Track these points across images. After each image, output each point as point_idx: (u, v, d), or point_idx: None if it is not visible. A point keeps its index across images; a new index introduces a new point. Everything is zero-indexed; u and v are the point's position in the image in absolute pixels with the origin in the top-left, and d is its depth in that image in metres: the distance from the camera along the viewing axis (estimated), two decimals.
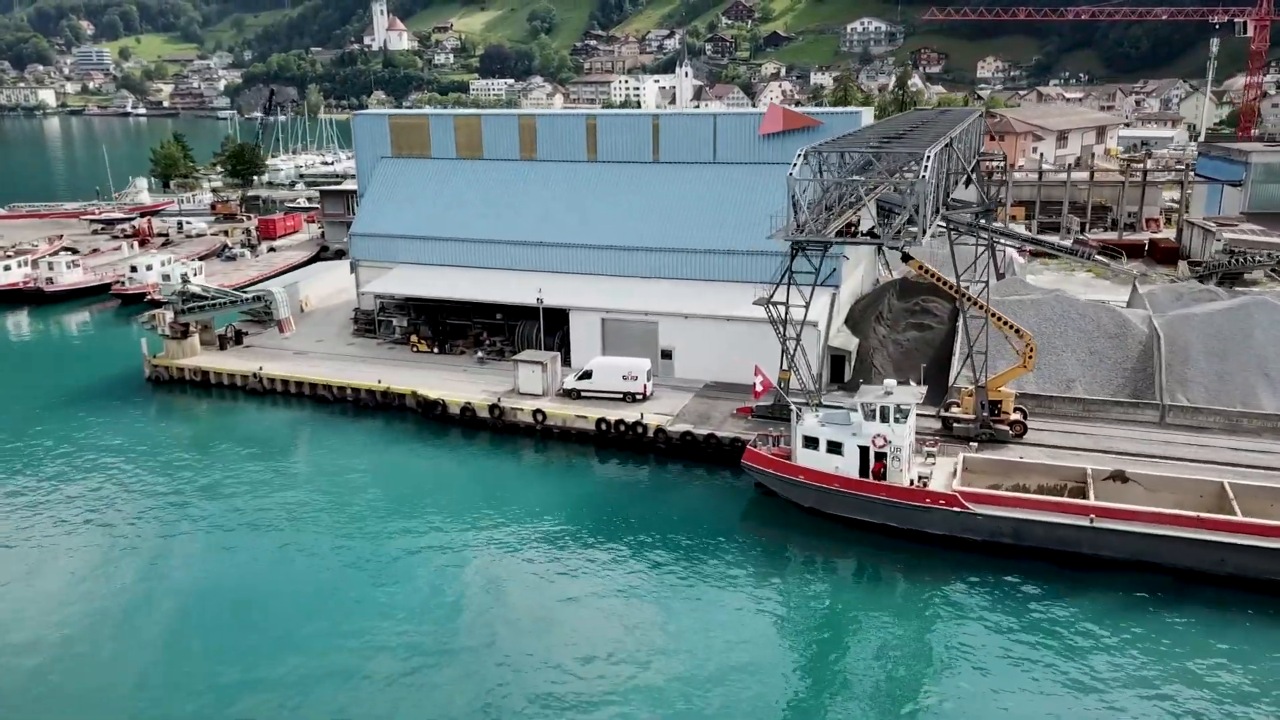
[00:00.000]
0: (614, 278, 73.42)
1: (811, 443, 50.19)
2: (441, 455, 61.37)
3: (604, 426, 60.75)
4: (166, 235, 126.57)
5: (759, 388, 55.79)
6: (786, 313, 57.62)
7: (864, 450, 48.97)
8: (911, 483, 48.61)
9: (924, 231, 50.43)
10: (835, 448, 49.60)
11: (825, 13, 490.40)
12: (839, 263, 66.32)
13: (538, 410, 62.56)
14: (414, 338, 76.22)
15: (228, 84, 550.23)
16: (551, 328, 71.84)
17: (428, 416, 65.54)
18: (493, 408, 63.57)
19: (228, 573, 47.07)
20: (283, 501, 54.56)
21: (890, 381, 49.37)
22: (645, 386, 63.53)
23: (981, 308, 55.64)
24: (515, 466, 59.53)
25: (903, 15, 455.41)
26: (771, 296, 57.38)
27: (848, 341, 67.72)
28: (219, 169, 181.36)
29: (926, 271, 56.29)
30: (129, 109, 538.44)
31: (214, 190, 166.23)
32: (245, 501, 54.52)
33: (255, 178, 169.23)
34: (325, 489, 56.17)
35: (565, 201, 76.79)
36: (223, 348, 77.79)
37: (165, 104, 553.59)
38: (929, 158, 50.15)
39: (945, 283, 56.52)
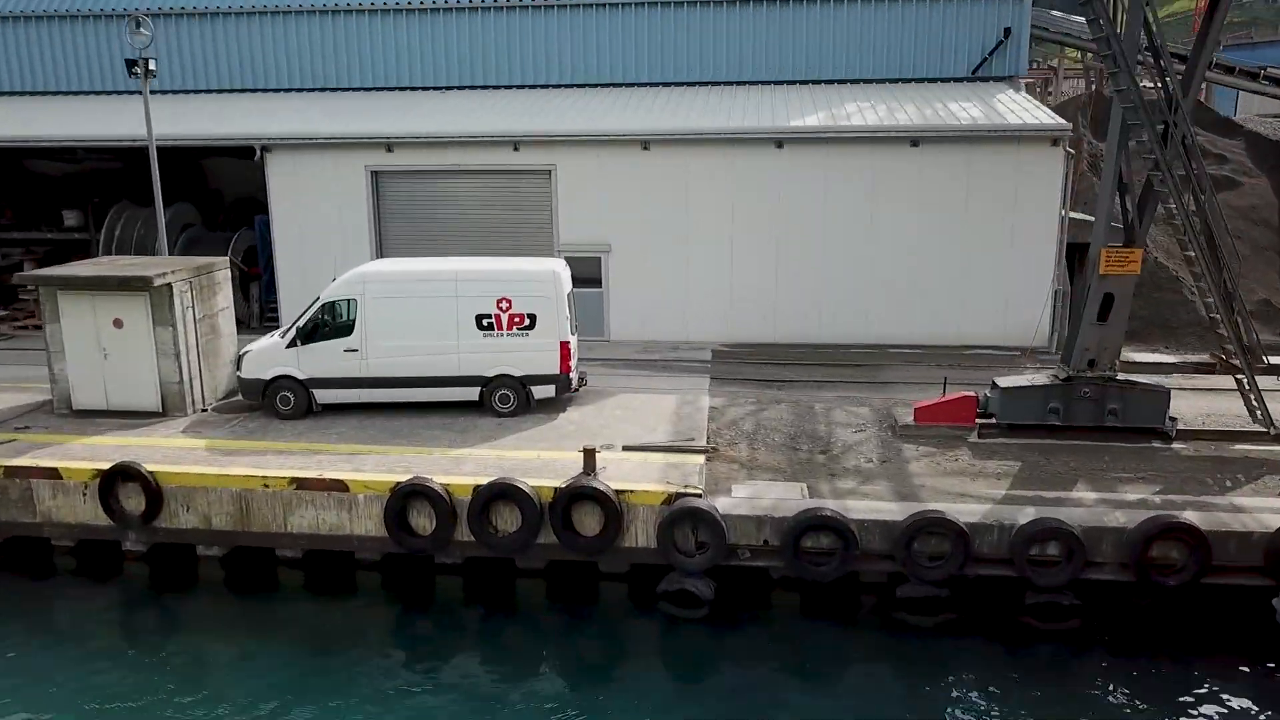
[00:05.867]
0: (410, 93, 27.58)
1: None
2: None
3: (410, 518, 13.75)
4: None
5: None
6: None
7: None
8: None
9: None
10: None
11: None
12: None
13: (128, 473, 14.18)
14: None
15: None
16: (217, 215, 25.01)
17: None
18: None
19: None
20: None
21: None
22: (566, 350, 16.94)
23: None
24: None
25: None
26: None
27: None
28: None
29: None
30: None
31: None
32: None
33: None
34: None
35: None
36: None
37: None
38: None
39: None
